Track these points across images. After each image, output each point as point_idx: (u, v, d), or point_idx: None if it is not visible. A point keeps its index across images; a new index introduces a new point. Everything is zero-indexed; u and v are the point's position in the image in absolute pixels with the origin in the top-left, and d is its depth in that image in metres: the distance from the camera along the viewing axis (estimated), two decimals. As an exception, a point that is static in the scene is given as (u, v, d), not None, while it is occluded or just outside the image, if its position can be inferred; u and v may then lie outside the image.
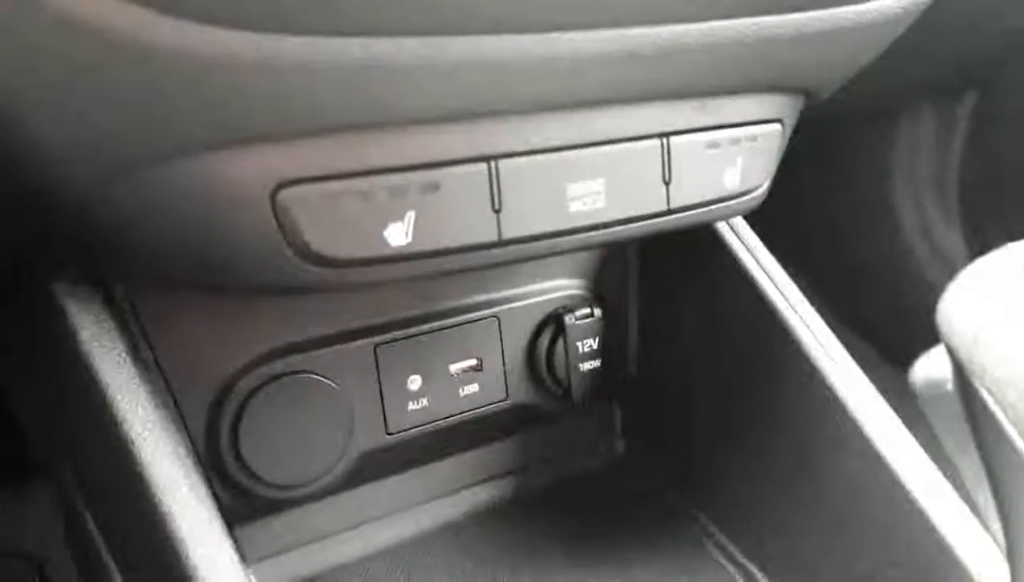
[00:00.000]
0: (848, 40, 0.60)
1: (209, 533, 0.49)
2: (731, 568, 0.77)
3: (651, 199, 0.58)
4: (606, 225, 0.57)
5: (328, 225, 0.49)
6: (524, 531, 0.78)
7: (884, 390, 0.68)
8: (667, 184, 0.58)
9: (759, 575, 0.76)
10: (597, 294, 0.82)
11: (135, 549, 0.56)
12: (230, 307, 0.65)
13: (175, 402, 0.65)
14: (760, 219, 0.73)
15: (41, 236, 0.53)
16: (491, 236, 0.53)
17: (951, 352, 0.38)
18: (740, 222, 0.77)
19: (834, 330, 0.72)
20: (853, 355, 0.70)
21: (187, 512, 0.49)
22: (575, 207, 0.55)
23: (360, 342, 0.70)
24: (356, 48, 0.44)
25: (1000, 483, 0.40)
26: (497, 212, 0.53)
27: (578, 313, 0.78)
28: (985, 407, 0.37)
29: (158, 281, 0.59)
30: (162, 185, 0.47)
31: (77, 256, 0.55)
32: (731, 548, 0.79)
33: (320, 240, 0.50)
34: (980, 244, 1.77)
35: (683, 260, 0.81)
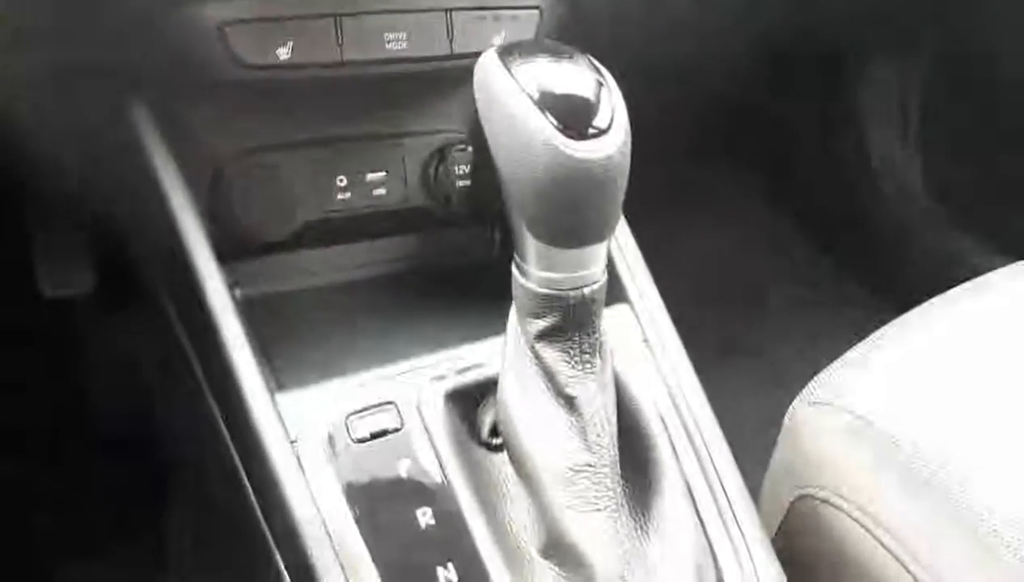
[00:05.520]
0: None
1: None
2: None
3: (439, 46, 1.01)
4: (411, 60, 1.00)
5: (247, 41, 0.95)
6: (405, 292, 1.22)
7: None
8: (451, 41, 1.01)
9: None
10: (475, 138, 1.23)
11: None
12: (225, 112, 1.08)
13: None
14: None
15: None
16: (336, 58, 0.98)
17: None
18: None
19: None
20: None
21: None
22: (391, 47, 0.99)
23: (312, 148, 1.15)
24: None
25: None
26: (340, 46, 0.98)
27: (456, 146, 1.20)
28: None
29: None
30: None
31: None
32: None
33: (244, 52, 0.96)
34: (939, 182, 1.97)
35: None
